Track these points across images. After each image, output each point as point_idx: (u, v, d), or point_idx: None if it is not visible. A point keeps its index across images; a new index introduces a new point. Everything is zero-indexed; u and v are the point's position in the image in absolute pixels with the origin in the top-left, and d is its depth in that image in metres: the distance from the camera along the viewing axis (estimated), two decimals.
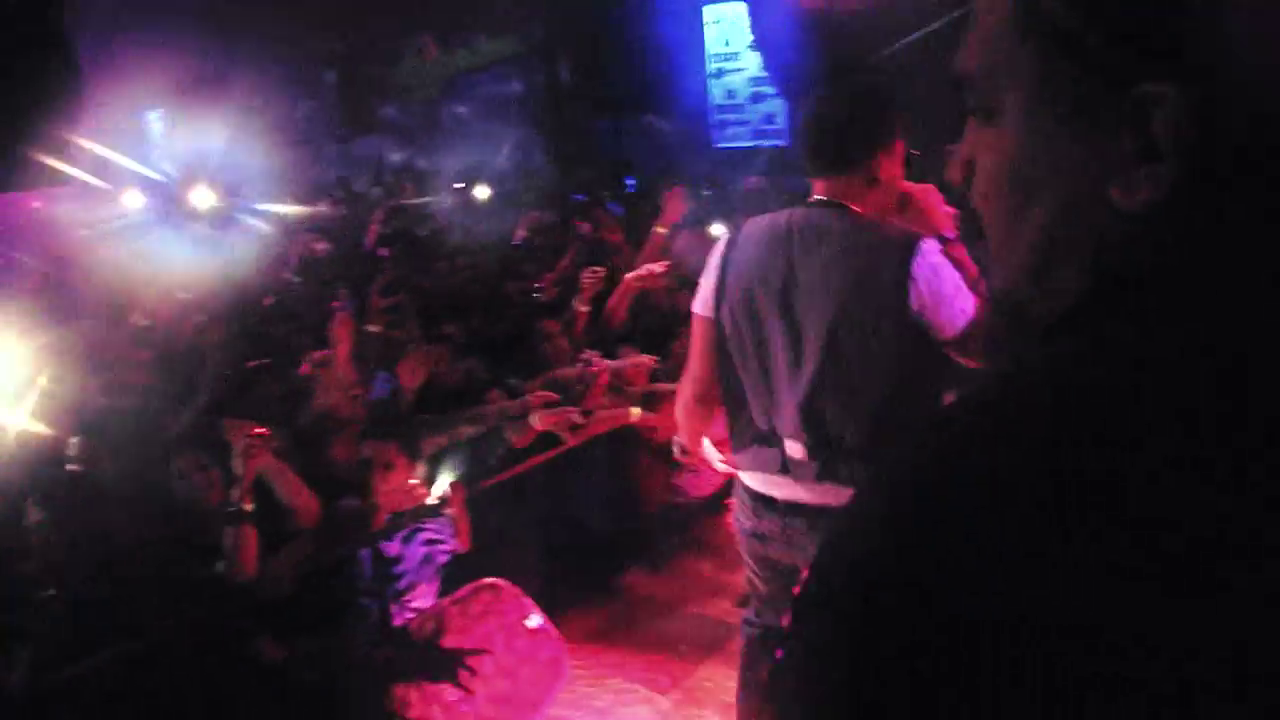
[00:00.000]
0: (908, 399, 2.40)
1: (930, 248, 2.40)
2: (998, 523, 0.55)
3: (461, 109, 10.87)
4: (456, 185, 8.02)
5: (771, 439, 2.55)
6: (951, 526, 0.56)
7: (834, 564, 0.63)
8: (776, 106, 12.13)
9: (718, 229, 6.41)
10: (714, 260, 2.64)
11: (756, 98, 12.30)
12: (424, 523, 3.91)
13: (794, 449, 2.51)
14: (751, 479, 2.68)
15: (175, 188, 6.22)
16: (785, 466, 2.54)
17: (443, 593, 3.90)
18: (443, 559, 3.94)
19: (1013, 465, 0.57)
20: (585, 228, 6.46)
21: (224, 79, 8.67)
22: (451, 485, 3.96)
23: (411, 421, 4.30)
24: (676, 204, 5.98)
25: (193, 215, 6.22)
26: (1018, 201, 0.72)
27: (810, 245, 2.44)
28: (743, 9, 10.20)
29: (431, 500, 3.97)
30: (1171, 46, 0.62)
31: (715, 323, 2.62)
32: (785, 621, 2.92)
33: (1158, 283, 0.65)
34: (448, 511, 3.93)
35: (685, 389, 2.79)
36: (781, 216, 2.54)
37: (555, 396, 4.47)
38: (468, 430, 4.27)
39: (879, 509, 0.63)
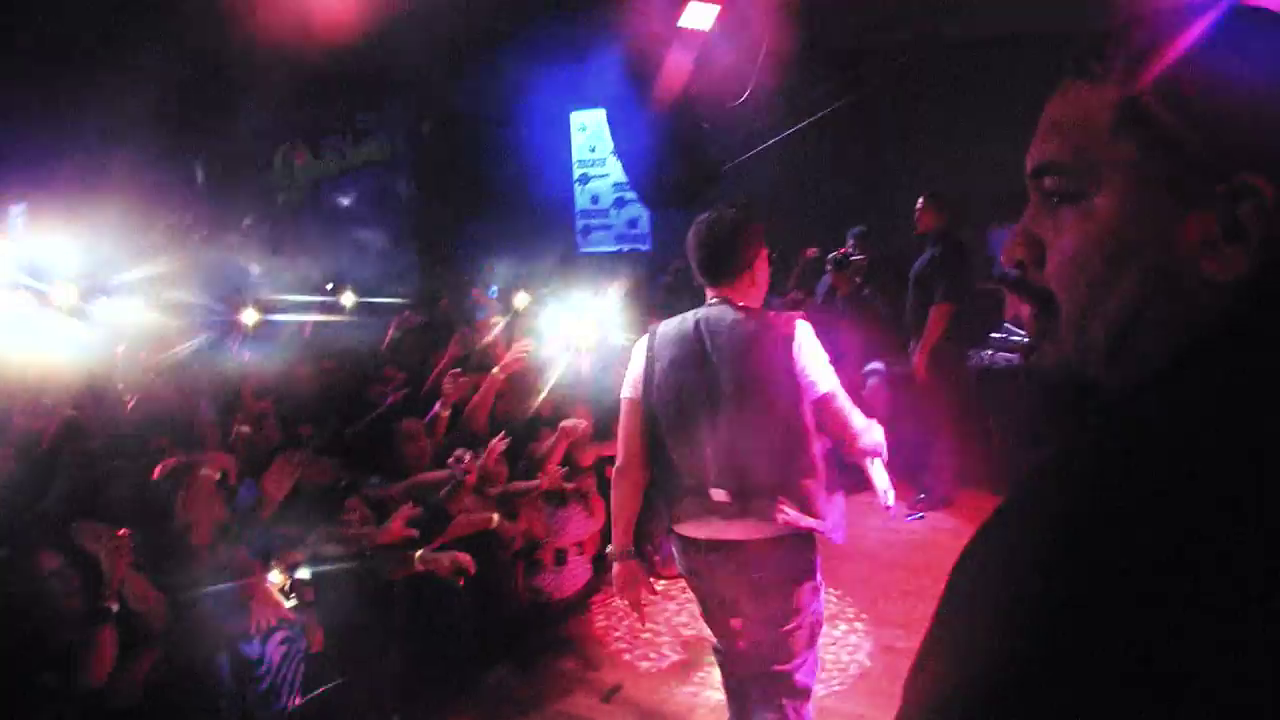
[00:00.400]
0: (798, 446, 3.05)
1: (805, 323, 3.12)
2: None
3: (328, 212, 10.93)
4: (325, 288, 8.07)
5: (699, 490, 3.10)
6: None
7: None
8: (640, 212, 12.51)
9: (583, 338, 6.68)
10: (639, 355, 3.24)
11: (620, 203, 12.67)
12: (278, 624, 3.87)
13: (718, 495, 3.08)
14: (683, 528, 3.20)
15: (37, 284, 6.10)
16: (711, 510, 3.10)
17: (304, 693, 3.85)
18: (299, 660, 3.90)
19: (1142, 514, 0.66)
20: (460, 333, 6.58)
21: (93, 175, 8.60)
22: (302, 585, 3.94)
23: (270, 535, 4.24)
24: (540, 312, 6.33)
25: (54, 312, 6.11)
26: (1106, 276, 0.82)
27: (717, 334, 3.11)
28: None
29: (289, 603, 3.93)
30: (1262, 146, 0.76)
31: (644, 404, 3.18)
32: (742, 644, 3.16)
33: (1237, 346, 0.75)
34: (295, 613, 3.89)
35: (625, 472, 3.26)
36: (689, 316, 3.20)
37: (414, 533, 4.36)
38: (329, 549, 4.21)
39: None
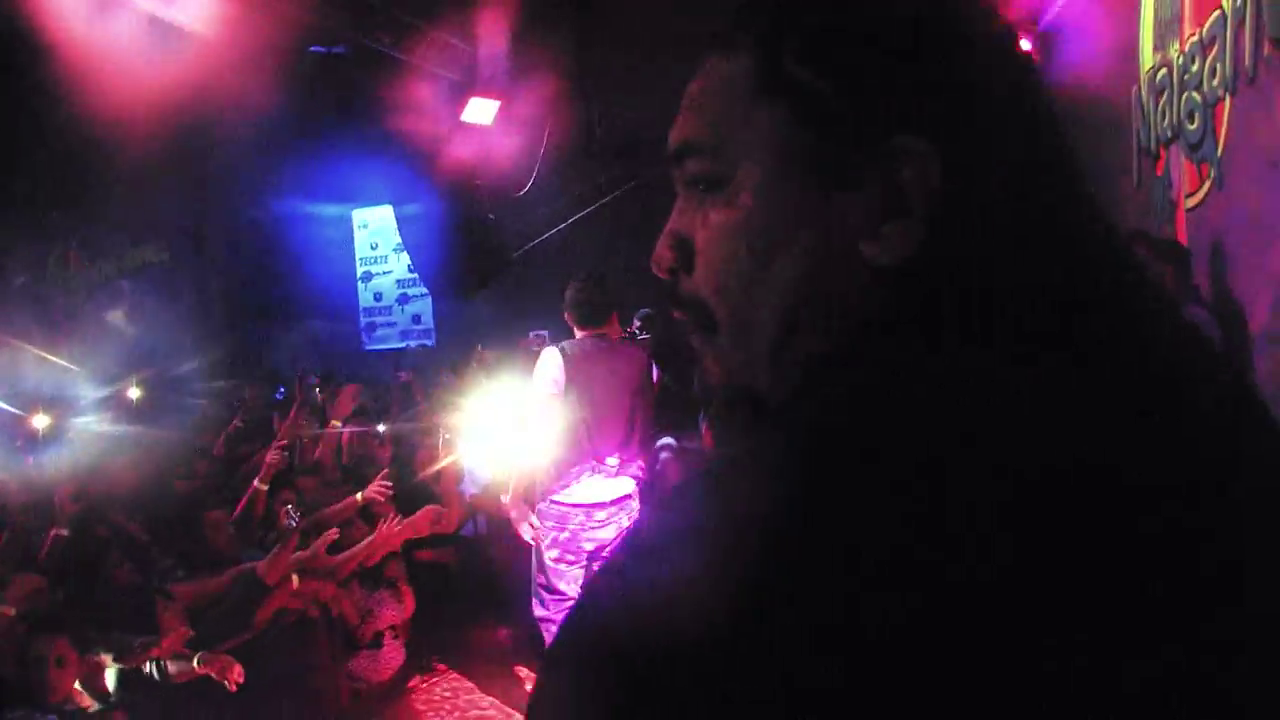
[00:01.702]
0: (646, 430, 5.01)
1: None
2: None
3: (109, 315, 10.70)
4: (114, 389, 7.94)
5: (598, 462, 4.67)
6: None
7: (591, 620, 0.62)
8: (423, 307, 12.78)
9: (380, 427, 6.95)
10: (556, 365, 4.63)
11: (403, 299, 12.90)
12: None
13: (611, 461, 4.71)
14: (573, 495, 4.69)
15: None
16: (602, 474, 4.69)
17: None
18: None
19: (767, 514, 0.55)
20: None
21: None
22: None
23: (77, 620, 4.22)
24: (347, 400, 6.60)
25: None
26: (755, 271, 0.71)
27: (604, 355, 4.75)
28: (389, 212, 10.90)
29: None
30: (919, 104, 0.65)
31: (562, 400, 4.59)
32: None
33: (903, 337, 0.65)
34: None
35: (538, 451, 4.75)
36: (586, 342, 4.72)
37: (189, 634, 4.36)
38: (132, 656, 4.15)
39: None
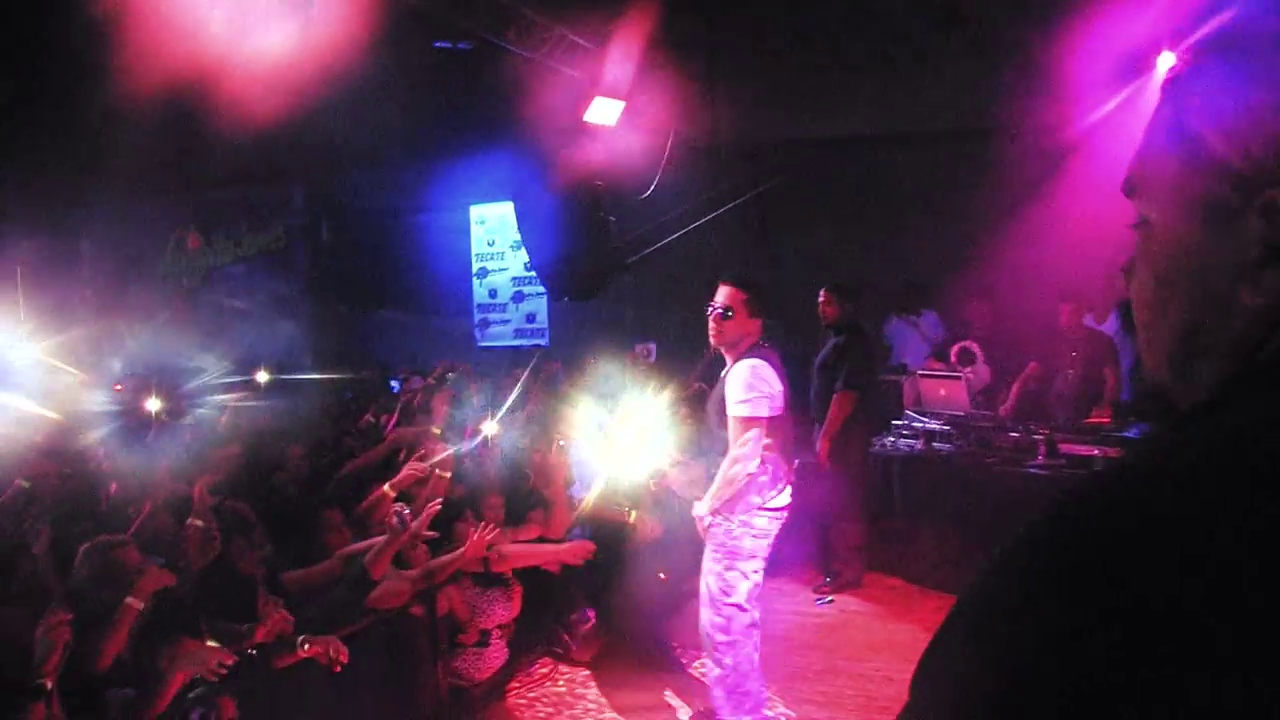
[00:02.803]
0: None
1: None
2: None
3: (224, 299, 11.10)
4: (241, 375, 8.26)
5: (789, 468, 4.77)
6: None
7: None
8: (538, 306, 12.94)
9: (490, 427, 7.05)
10: (773, 376, 4.65)
11: (519, 297, 13.08)
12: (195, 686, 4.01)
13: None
14: (779, 502, 4.73)
15: None
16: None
17: None
18: None
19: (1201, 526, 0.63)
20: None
21: None
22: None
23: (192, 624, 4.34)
24: (442, 406, 6.73)
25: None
26: (1161, 298, 0.85)
27: (777, 361, 4.82)
28: (508, 208, 11.06)
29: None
30: None
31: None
32: None
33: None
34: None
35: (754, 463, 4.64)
36: (766, 350, 4.73)
37: (289, 626, 4.48)
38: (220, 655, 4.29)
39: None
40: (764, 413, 4.59)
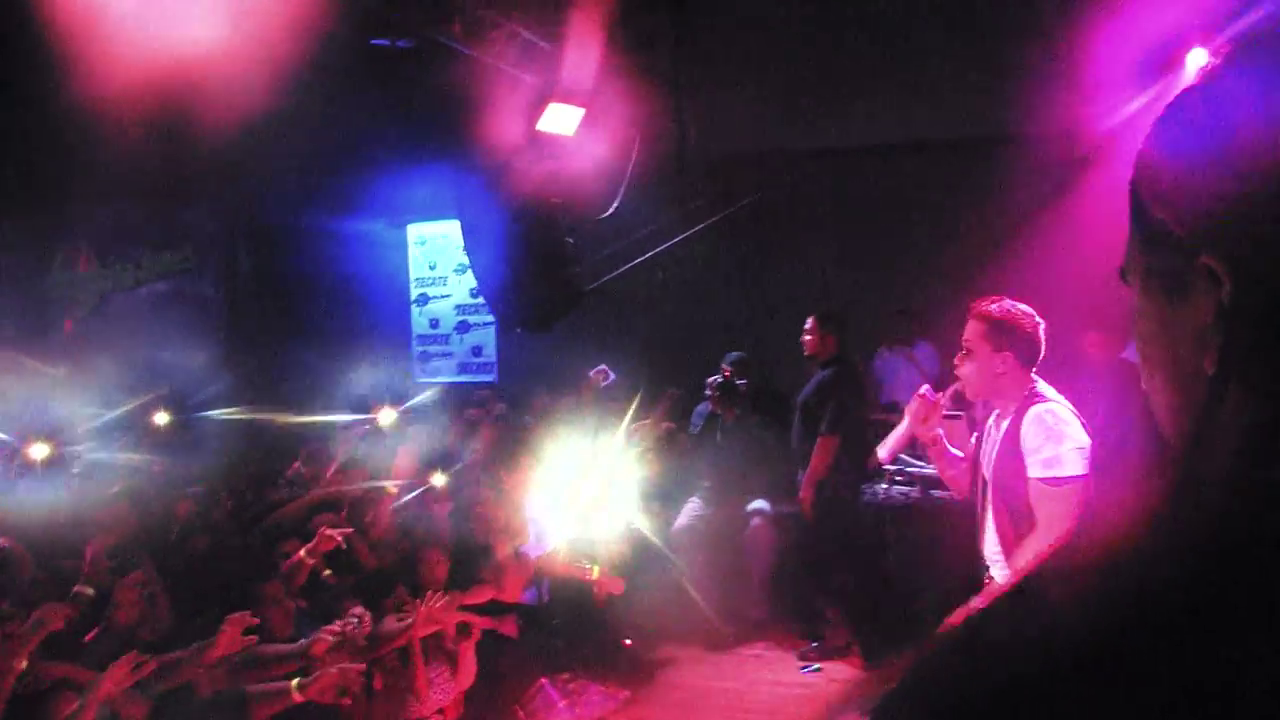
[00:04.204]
0: None
1: None
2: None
3: (119, 327, 10.64)
4: (124, 413, 7.88)
5: None
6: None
7: None
8: (485, 338, 12.64)
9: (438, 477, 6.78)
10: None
11: (463, 327, 12.78)
12: None
13: None
14: None
15: None
16: None
17: None
18: None
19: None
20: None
21: None
22: None
23: None
24: (406, 463, 6.46)
25: None
26: (1149, 355, 0.93)
27: None
28: (453, 228, 10.78)
29: None
30: (1227, 225, 0.80)
31: None
32: None
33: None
34: None
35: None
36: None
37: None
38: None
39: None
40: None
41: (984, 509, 4.08)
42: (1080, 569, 0.78)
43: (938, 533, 7.01)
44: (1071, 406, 3.90)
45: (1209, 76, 0.86)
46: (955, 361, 4.12)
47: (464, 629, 5.51)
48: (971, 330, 4.04)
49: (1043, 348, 3.99)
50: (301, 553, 5.29)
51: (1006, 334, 3.96)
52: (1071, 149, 8.20)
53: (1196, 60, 7.05)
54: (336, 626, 4.76)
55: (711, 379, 7.98)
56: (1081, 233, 7.68)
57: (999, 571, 4.00)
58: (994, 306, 4.04)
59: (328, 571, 5.19)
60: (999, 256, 8.03)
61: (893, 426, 8.56)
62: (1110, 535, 0.80)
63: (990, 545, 4.04)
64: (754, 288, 10.50)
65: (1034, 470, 3.79)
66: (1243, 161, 0.79)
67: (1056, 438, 3.77)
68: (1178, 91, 0.89)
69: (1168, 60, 7.26)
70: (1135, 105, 7.73)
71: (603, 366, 9.60)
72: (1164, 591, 0.70)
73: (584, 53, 8.45)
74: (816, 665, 7.01)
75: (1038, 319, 4.03)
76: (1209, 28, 6.80)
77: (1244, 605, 0.67)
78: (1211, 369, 0.81)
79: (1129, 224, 0.92)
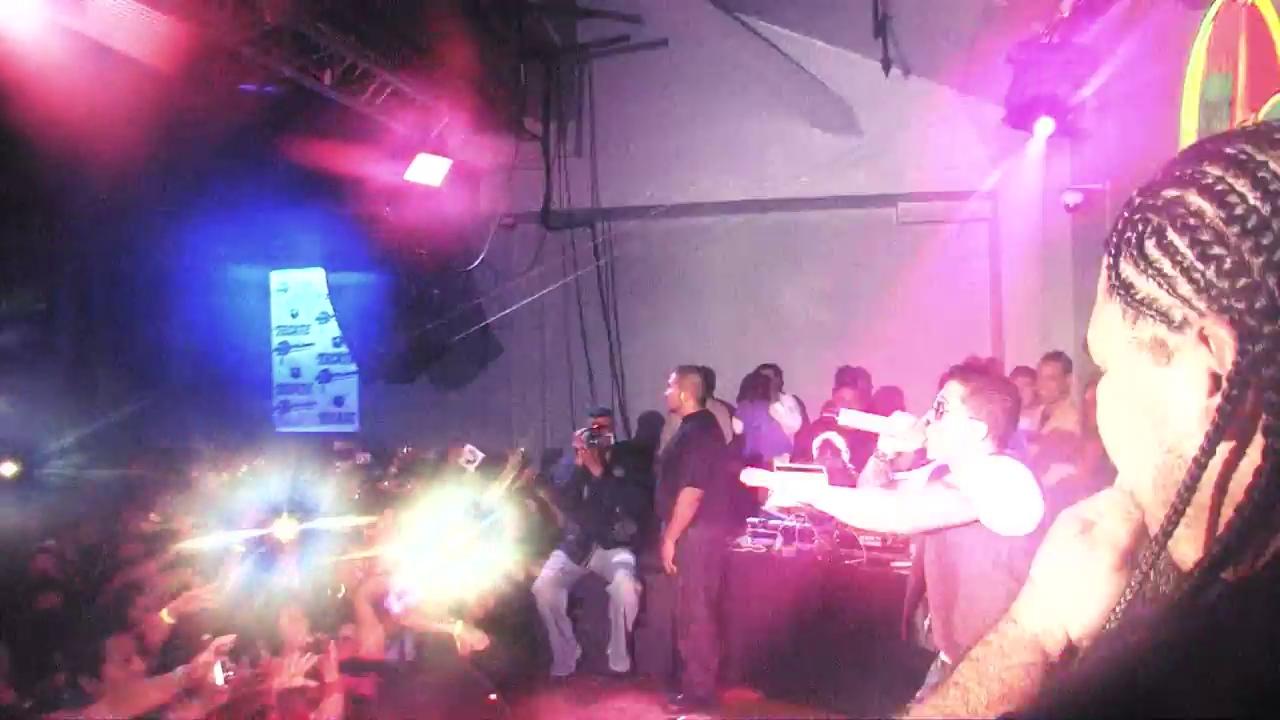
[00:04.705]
0: None
1: None
2: None
3: None
4: None
5: None
6: None
7: None
8: (347, 388, 12.45)
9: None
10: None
11: (325, 377, 12.57)
12: None
13: None
14: None
15: None
16: None
17: None
18: None
19: None
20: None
21: None
22: None
23: None
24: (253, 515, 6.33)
25: None
26: (1119, 446, 0.94)
27: None
28: (317, 275, 10.64)
29: None
30: (1219, 294, 0.81)
31: None
32: None
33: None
34: None
35: None
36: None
37: None
38: None
39: None
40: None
41: (937, 570, 3.96)
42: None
43: (800, 582, 7.14)
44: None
45: (1197, 145, 0.89)
46: (929, 420, 3.95)
47: (322, 686, 5.39)
48: (950, 391, 3.92)
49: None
50: (162, 613, 5.13)
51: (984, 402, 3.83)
52: (937, 210, 8.50)
53: (1045, 128, 7.39)
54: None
55: (578, 432, 8.01)
56: (944, 293, 8.00)
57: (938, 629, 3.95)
58: (973, 371, 4.01)
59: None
60: (859, 314, 8.31)
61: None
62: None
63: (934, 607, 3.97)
64: (617, 342, 10.60)
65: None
66: (1242, 229, 0.81)
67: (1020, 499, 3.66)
68: (1168, 163, 0.90)
69: (1015, 132, 7.59)
70: (994, 174, 8.06)
71: (470, 446, 9.58)
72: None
73: (454, 105, 8.49)
74: (681, 717, 7.03)
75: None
76: (1054, 98, 7.13)
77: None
78: (1204, 440, 0.81)
79: (1107, 299, 0.92)
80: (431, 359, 9.25)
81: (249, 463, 8.80)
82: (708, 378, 7.50)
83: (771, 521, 7.67)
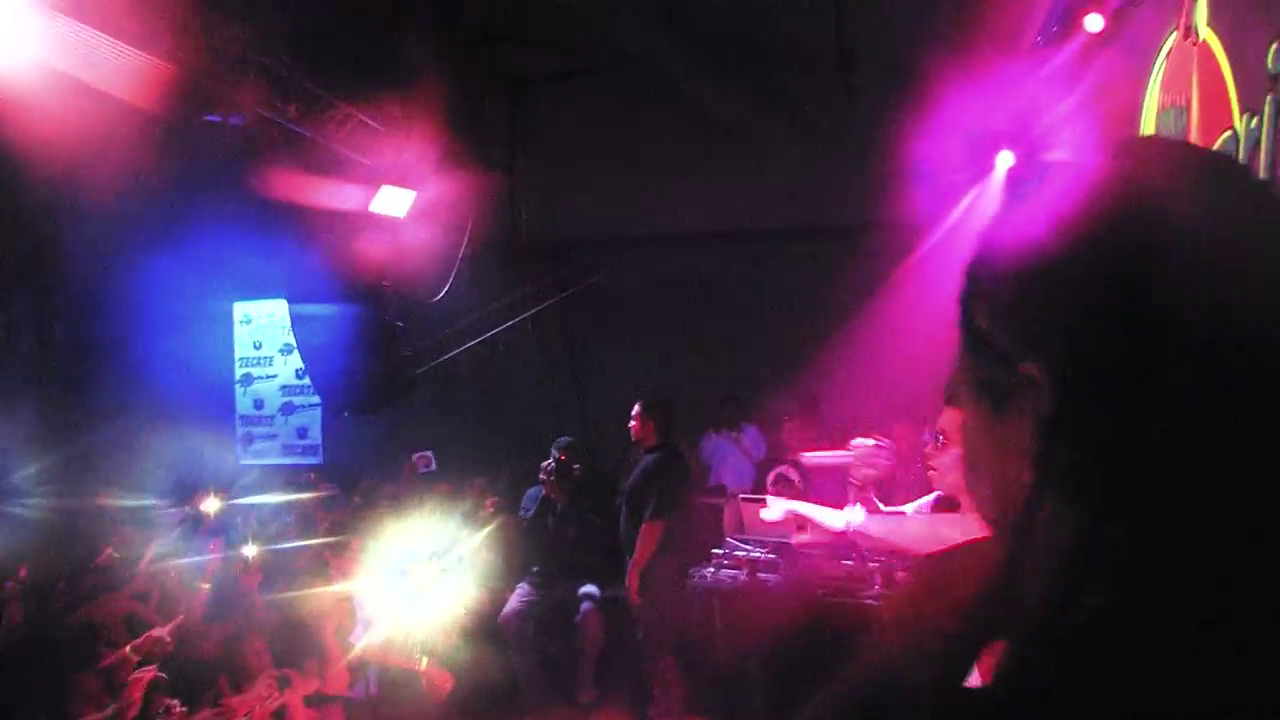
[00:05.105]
0: None
1: None
2: None
3: None
4: None
5: None
6: None
7: None
8: (310, 419, 12.38)
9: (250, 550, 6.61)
10: None
11: (288, 409, 12.50)
12: None
13: None
14: None
15: None
16: None
17: None
18: None
19: None
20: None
21: None
22: None
23: None
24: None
25: None
26: (975, 485, 0.93)
27: None
28: (280, 306, 10.61)
29: None
30: (1040, 335, 0.80)
31: None
32: None
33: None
34: None
35: None
36: None
37: None
38: None
39: None
40: None
41: None
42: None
43: (764, 613, 7.15)
44: None
45: (1021, 187, 0.89)
46: (928, 451, 3.90)
47: None
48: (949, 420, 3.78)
49: None
50: (127, 649, 5.09)
51: None
52: (900, 241, 8.58)
53: (1005, 161, 7.51)
54: None
55: (545, 464, 8.00)
56: (905, 324, 8.04)
57: None
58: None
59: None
60: (826, 345, 8.35)
61: (720, 509, 8.76)
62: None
63: None
64: (583, 373, 10.62)
65: None
66: (1057, 270, 0.80)
67: None
68: (999, 203, 0.94)
69: (988, 158, 7.69)
70: (963, 202, 8.14)
71: (426, 452, 9.54)
72: None
73: (418, 136, 8.52)
74: None
75: None
76: (1018, 132, 7.24)
77: None
78: (1029, 485, 0.80)
79: (959, 336, 0.91)
80: (396, 391, 9.23)
81: (216, 499, 8.73)
82: (671, 410, 7.54)
83: (737, 553, 7.69)
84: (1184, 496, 0.74)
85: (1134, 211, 0.79)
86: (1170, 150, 0.89)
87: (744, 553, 7.62)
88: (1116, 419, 0.76)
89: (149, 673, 4.87)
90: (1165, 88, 5.42)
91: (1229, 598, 0.71)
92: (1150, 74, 5.55)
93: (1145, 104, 5.69)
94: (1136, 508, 0.75)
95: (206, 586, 6.28)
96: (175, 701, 4.74)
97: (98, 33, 5.78)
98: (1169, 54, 5.32)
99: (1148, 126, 5.77)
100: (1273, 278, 0.77)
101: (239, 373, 12.64)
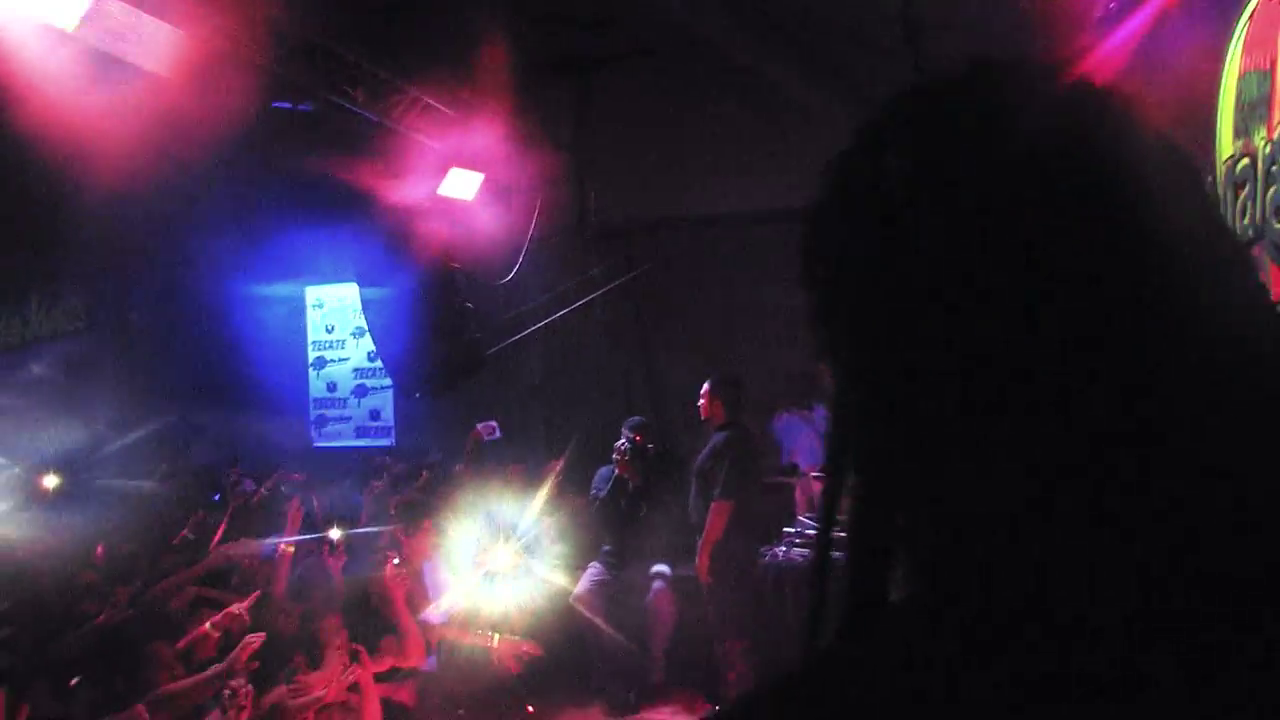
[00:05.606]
0: None
1: None
2: None
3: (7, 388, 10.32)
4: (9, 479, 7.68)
5: None
6: None
7: None
8: (382, 401, 12.54)
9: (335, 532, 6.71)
10: None
11: (361, 391, 12.67)
12: None
13: None
14: None
15: None
16: None
17: None
18: None
19: None
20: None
21: None
22: None
23: None
24: (295, 518, 6.39)
25: None
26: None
27: None
28: (351, 290, 10.75)
29: None
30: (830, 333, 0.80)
31: None
32: None
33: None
34: None
35: None
36: None
37: None
38: None
39: None
40: None
41: None
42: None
43: (838, 594, 7.11)
44: None
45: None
46: None
47: (361, 698, 5.45)
48: None
49: None
50: (206, 625, 5.20)
51: None
52: None
53: None
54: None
55: (619, 444, 8.02)
56: None
57: None
58: None
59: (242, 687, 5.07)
60: None
61: (792, 487, 8.74)
62: None
63: None
64: (652, 353, 10.62)
65: None
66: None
67: None
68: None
69: None
70: None
71: (490, 422, 9.60)
72: None
73: (485, 119, 8.55)
74: None
75: None
76: None
77: None
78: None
79: None
80: (466, 372, 9.31)
81: (285, 483, 8.91)
82: (739, 388, 7.52)
83: (809, 531, 7.67)
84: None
85: None
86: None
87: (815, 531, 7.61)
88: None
89: (259, 638, 4.97)
90: (1248, 49, 5.26)
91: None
92: (1231, 38, 5.40)
93: (1225, 70, 5.55)
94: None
95: (286, 567, 6.38)
96: (240, 683, 4.80)
97: (166, 25, 5.88)
98: (1253, 13, 5.16)
99: (1226, 94, 5.62)
100: None
101: (312, 356, 12.82)
